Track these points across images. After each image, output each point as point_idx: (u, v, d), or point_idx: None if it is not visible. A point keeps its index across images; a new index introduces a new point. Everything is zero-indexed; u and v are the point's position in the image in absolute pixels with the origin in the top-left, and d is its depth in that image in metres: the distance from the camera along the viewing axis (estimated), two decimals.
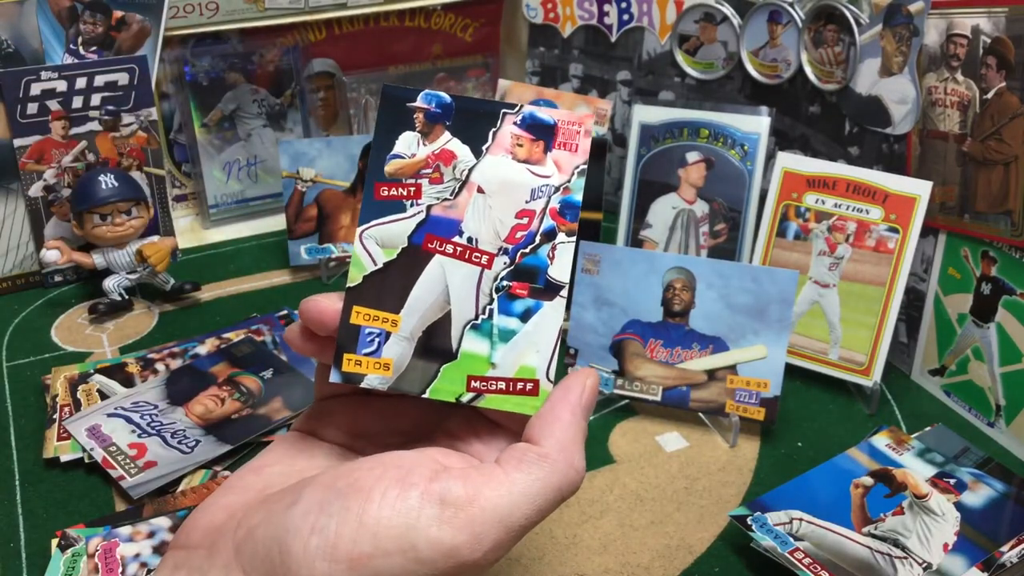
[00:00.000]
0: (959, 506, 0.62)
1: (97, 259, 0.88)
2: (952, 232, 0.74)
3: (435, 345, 0.42)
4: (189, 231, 1.04)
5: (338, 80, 1.08)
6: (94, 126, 0.91)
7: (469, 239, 0.42)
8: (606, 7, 0.99)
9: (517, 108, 0.43)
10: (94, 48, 0.92)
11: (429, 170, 0.42)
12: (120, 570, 0.57)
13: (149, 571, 0.57)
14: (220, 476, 0.66)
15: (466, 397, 0.41)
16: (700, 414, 0.74)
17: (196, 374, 0.76)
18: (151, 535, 0.59)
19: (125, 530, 0.59)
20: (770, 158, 0.84)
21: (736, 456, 0.70)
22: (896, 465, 0.66)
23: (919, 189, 0.74)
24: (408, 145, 0.42)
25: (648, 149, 0.88)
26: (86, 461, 0.67)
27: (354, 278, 0.41)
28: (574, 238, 0.42)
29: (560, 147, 0.43)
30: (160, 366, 0.77)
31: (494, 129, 0.42)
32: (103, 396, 0.73)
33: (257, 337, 0.81)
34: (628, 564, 0.60)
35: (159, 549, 0.58)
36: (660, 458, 0.70)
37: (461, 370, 0.41)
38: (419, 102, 0.42)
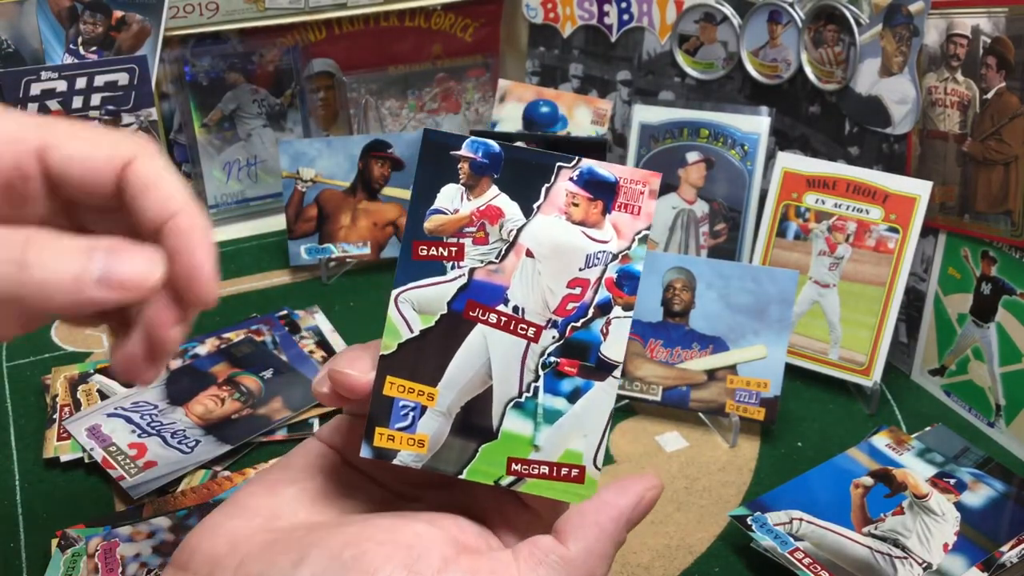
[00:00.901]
0: (959, 506, 0.62)
1: None
2: (952, 232, 0.74)
3: (474, 423, 0.38)
4: None
5: (338, 80, 1.08)
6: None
7: (515, 308, 0.38)
8: (606, 7, 0.99)
9: (574, 162, 0.38)
10: (94, 48, 0.92)
11: (473, 228, 0.38)
12: (120, 570, 0.57)
13: (149, 571, 0.57)
14: (220, 476, 0.66)
15: (505, 480, 0.38)
16: (700, 414, 0.74)
17: (196, 374, 0.76)
18: (151, 535, 0.59)
19: (125, 530, 0.59)
20: (770, 158, 0.84)
21: (736, 456, 0.70)
22: (896, 465, 0.66)
23: (919, 189, 0.74)
24: (450, 199, 0.38)
25: (648, 149, 0.88)
26: (86, 461, 0.67)
27: (388, 346, 0.38)
28: (631, 312, 0.39)
29: (620, 208, 0.38)
30: None
31: (547, 185, 0.38)
32: (103, 396, 0.73)
33: (257, 337, 0.81)
34: (628, 564, 0.60)
35: (159, 549, 0.58)
36: (660, 458, 0.70)
37: (501, 451, 0.38)
38: (464, 150, 0.38)
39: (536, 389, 0.39)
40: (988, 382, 0.73)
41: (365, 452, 0.38)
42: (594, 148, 0.88)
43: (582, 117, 0.93)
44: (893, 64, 0.76)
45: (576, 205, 0.38)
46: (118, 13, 0.93)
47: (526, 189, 0.38)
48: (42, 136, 0.36)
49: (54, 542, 0.59)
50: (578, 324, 0.39)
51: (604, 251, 0.39)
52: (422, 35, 1.11)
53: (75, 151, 0.36)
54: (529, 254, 0.38)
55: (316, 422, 0.72)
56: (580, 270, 0.38)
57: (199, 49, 1.00)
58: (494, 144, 0.38)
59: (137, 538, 0.59)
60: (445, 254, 0.38)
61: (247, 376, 0.75)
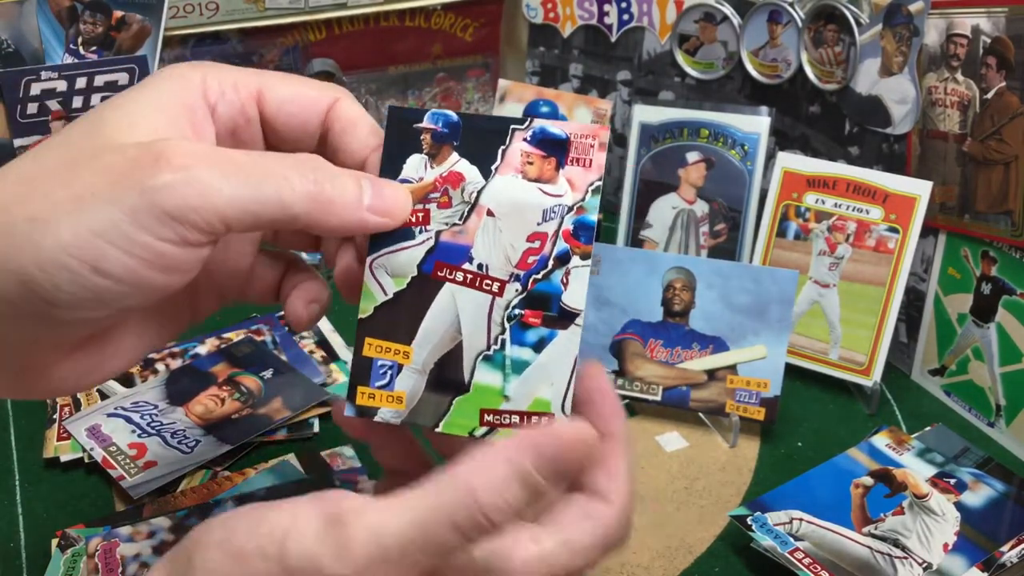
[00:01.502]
0: (959, 506, 0.62)
1: None
2: (952, 232, 0.74)
3: (447, 377, 0.40)
4: None
5: (338, 80, 1.08)
6: None
7: (479, 266, 0.40)
8: (606, 7, 0.99)
9: (527, 123, 0.41)
10: (94, 48, 0.92)
11: (437, 194, 0.41)
12: (120, 570, 0.57)
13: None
14: (220, 476, 0.66)
15: (479, 432, 0.40)
16: (700, 414, 0.74)
17: (196, 374, 0.76)
18: (151, 535, 0.59)
19: (125, 530, 0.59)
20: (770, 158, 0.84)
21: (736, 456, 0.70)
22: (896, 465, 0.66)
23: (919, 189, 0.74)
24: (416, 168, 0.41)
25: (648, 149, 0.88)
26: (86, 461, 0.67)
27: (365, 310, 0.41)
28: (589, 261, 0.40)
29: (573, 163, 0.40)
30: (160, 366, 0.77)
31: (503, 147, 0.41)
32: (103, 396, 0.73)
33: (257, 337, 0.81)
34: (628, 564, 0.60)
35: (159, 549, 0.58)
36: (660, 458, 0.70)
37: (474, 403, 0.40)
38: (425, 122, 0.41)
39: (503, 341, 0.40)
40: (988, 382, 0.73)
41: (349, 411, 0.41)
42: None
43: (582, 117, 0.93)
44: (893, 64, 0.76)
45: (531, 163, 0.41)
46: (118, 13, 0.93)
47: (484, 153, 0.41)
48: (260, 82, 0.41)
49: (54, 542, 0.59)
50: (539, 276, 0.41)
51: (560, 204, 0.41)
52: (422, 35, 1.11)
53: (290, 93, 0.41)
54: (490, 213, 0.41)
55: (316, 422, 0.72)
56: (538, 224, 0.40)
57: (199, 49, 1.00)
58: (452, 114, 0.41)
59: (137, 538, 0.59)
60: (413, 220, 0.41)
61: (247, 376, 0.75)
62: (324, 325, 0.84)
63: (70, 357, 0.38)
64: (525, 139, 0.41)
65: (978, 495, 0.63)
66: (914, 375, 0.80)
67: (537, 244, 0.40)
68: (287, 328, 0.83)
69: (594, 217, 0.40)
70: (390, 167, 0.41)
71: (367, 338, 0.41)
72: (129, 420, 0.70)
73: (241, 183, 0.35)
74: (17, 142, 0.88)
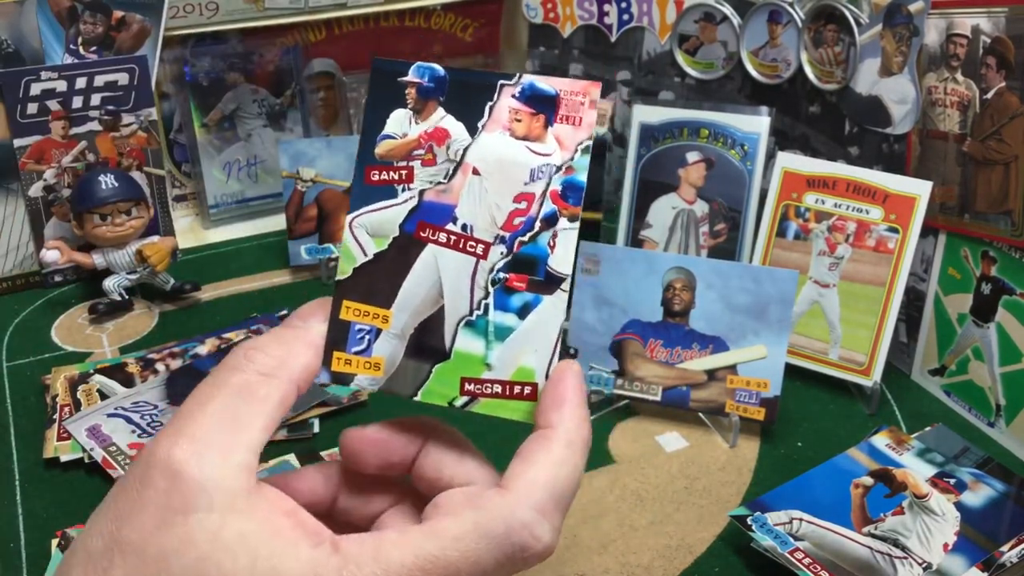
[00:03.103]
0: (959, 506, 0.62)
1: (97, 259, 0.88)
2: (952, 232, 0.74)
3: (427, 344, 0.38)
4: (189, 231, 1.04)
5: (338, 80, 1.08)
6: (94, 126, 0.91)
7: (464, 226, 0.39)
8: (606, 7, 0.99)
9: (516, 79, 0.39)
10: (94, 48, 0.92)
11: (422, 151, 0.39)
12: None
13: None
14: None
15: (459, 401, 0.38)
16: (700, 414, 0.74)
17: (196, 374, 0.76)
18: None
19: None
20: (770, 158, 0.84)
21: (736, 456, 0.70)
22: (896, 465, 0.66)
23: (919, 189, 0.74)
24: (399, 124, 0.39)
25: (648, 149, 0.88)
26: (86, 461, 0.67)
27: (344, 271, 0.39)
28: (577, 224, 0.38)
29: (562, 120, 0.38)
30: (160, 366, 0.77)
31: (491, 103, 0.39)
32: (103, 396, 0.73)
33: None
34: (628, 564, 0.60)
35: None
36: (660, 458, 0.70)
37: (455, 371, 0.38)
38: (411, 76, 0.39)
39: (486, 306, 0.39)
40: (988, 382, 0.73)
41: (323, 377, 0.38)
42: (593, 148, 0.88)
43: None
44: (893, 64, 0.76)
45: (519, 120, 0.39)
46: (118, 13, 0.93)
47: (471, 109, 0.39)
48: None
49: (54, 542, 0.59)
50: (525, 239, 0.39)
51: (548, 164, 0.39)
52: (422, 35, 1.11)
53: None
54: (476, 172, 0.39)
55: (316, 422, 0.72)
56: (525, 184, 0.39)
57: (199, 49, 1.00)
58: (439, 68, 0.39)
59: None
60: (396, 177, 0.39)
61: None
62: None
63: None
64: (513, 95, 0.39)
65: (978, 495, 0.63)
66: (914, 375, 0.80)
67: (524, 205, 0.38)
68: None
69: (583, 178, 0.38)
70: (373, 122, 0.39)
71: (345, 300, 0.39)
72: (129, 420, 0.70)
73: None
74: (17, 142, 0.88)
